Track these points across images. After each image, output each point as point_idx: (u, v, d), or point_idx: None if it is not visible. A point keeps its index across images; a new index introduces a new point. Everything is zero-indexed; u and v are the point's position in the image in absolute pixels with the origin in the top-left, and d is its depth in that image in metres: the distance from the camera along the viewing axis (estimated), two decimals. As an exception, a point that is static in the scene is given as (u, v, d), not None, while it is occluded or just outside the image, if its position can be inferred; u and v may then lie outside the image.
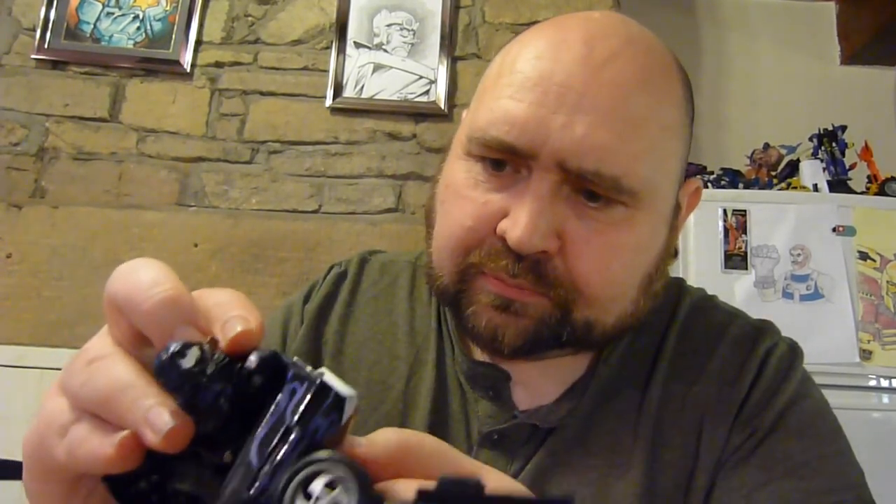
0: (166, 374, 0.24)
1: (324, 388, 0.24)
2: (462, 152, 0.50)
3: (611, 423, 0.53)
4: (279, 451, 0.23)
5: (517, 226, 0.44)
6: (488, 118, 0.47)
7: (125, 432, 0.24)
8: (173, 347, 0.24)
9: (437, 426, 0.55)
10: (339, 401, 0.24)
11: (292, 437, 0.24)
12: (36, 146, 1.76)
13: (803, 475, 0.49)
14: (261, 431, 0.24)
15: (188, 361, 0.24)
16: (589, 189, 0.46)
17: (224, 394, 0.24)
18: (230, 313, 0.26)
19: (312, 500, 0.22)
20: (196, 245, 1.72)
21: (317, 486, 0.23)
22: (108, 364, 0.26)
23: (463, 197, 0.49)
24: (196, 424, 0.24)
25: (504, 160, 0.47)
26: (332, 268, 0.67)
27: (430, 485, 0.21)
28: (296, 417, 0.24)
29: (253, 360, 0.25)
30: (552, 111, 0.45)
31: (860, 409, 1.60)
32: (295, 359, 0.25)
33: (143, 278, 0.26)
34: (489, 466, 0.26)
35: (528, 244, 0.44)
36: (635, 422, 0.53)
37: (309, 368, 0.25)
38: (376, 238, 1.72)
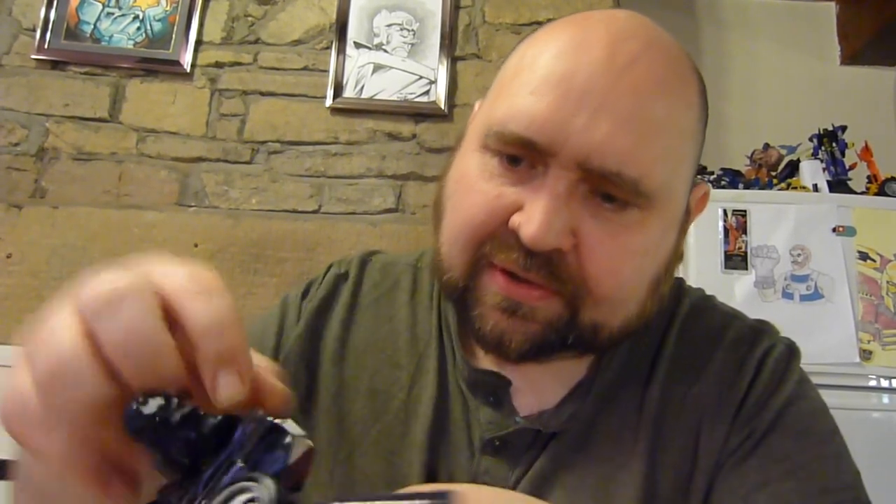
0: (132, 421, 0.26)
1: (272, 428, 0.26)
2: (478, 145, 0.50)
3: (612, 426, 0.53)
4: (219, 481, 0.25)
5: (531, 222, 0.44)
6: (507, 113, 0.47)
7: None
8: (139, 399, 0.26)
9: (439, 434, 0.55)
10: (283, 438, 0.26)
11: (233, 468, 0.25)
12: (36, 146, 1.76)
13: (801, 476, 0.49)
14: (213, 466, 0.26)
15: (150, 409, 0.26)
16: (605, 191, 0.46)
17: (187, 440, 0.26)
18: (219, 367, 0.27)
19: None
20: (196, 245, 1.72)
21: (238, 501, 0.24)
22: (133, 302, 0.27)
23: (475, 190, 0.48)
24: (165, 471, 0.26)
25: (520, 156, 0.47)
26: (330, 267, 0.65)
27: None
28: (241, 451, 0.25)
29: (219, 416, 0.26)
30: (573, 113, 0.45)
31: (860, 409, 1.60)
32: (260, 411, 0.27)
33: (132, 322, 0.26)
34: None
35: (541, 242, 0.44)
36: (636, 424, 0.53)
37: (269, 417, 0.26)
38: (376, 238, 1.72)
